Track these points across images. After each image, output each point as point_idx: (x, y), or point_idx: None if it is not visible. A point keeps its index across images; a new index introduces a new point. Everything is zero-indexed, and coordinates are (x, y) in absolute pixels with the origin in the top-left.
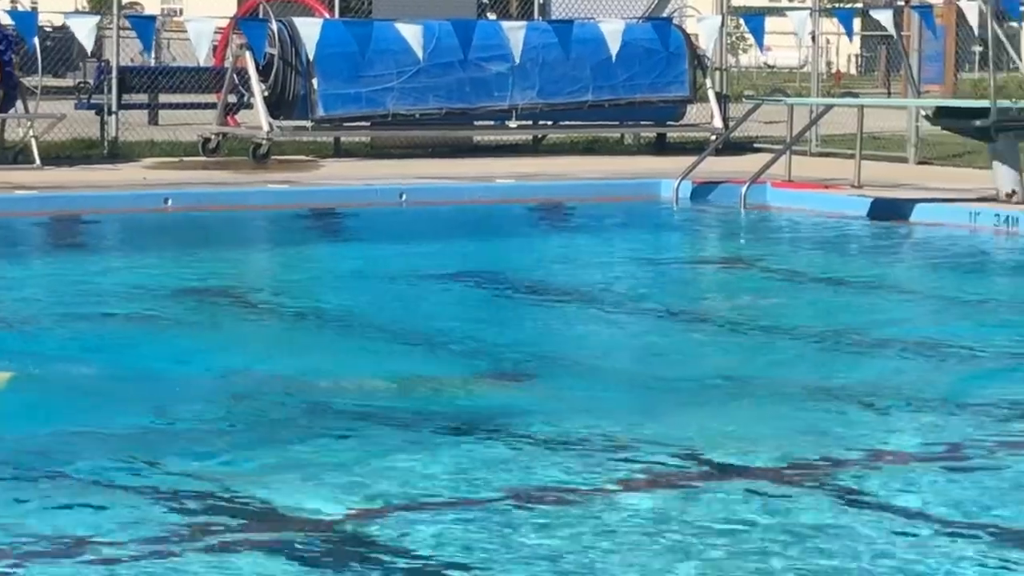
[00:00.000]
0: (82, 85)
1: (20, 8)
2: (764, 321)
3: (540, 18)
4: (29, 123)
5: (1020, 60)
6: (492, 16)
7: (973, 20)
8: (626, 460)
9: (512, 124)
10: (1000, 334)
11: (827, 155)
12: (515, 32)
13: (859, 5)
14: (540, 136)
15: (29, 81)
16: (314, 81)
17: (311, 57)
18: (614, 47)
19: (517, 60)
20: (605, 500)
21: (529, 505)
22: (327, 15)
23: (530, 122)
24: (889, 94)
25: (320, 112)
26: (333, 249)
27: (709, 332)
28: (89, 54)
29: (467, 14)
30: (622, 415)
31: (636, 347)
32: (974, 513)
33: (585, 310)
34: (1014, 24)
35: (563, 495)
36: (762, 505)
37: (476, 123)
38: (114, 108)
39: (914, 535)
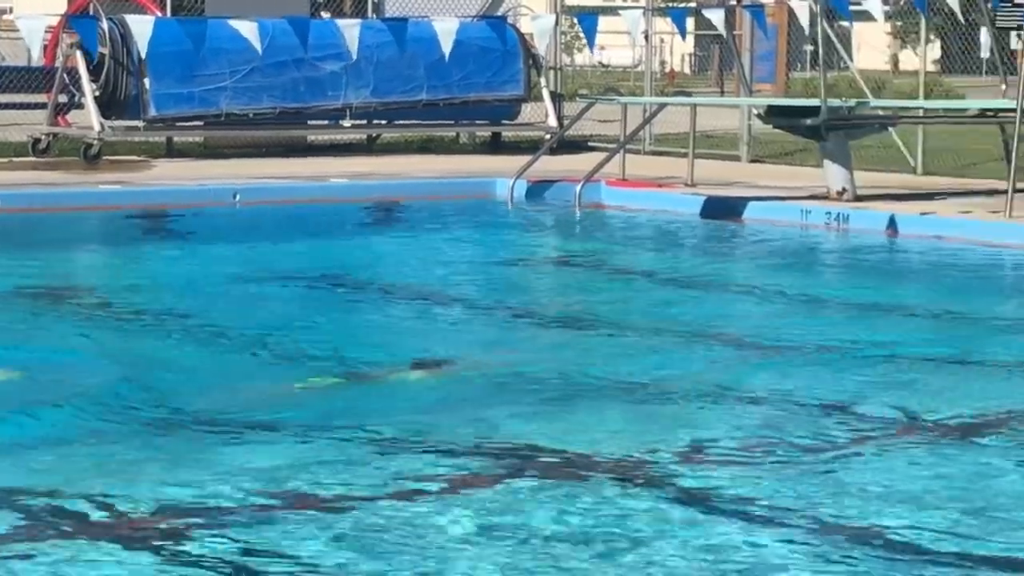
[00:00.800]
0: None
1: None
2: (597, 318)
3: (374, 16)
4: None
5: (850, 59)
6: (326, 15)
7: (804, 20)
8: (449, 459)
9: (346, 123)
10: (829, 331)
11: (661, 154)
12: (349, 31)
13: (692, 5)
14: (375, 135)
15: None
16: (146, 80)
17: (143, 56)
18: (448, 46)
19: (351, 59)
20: (432, 499)
21: (352, 505)
22: (159, 13)
23: (365, 121)
24: (722, 93)
25: (152, 112)
26: (165, 250)
27: (542, 330)
28: None
29: (301, 12)
30: (449, 414)
31: (471, 345)
32: (796, 510)
33: (418, 309)
34: (844, 23)
35: (401, 493)
36: (597, 502)
37: (310, 122)
38: None
39: (739, 533)
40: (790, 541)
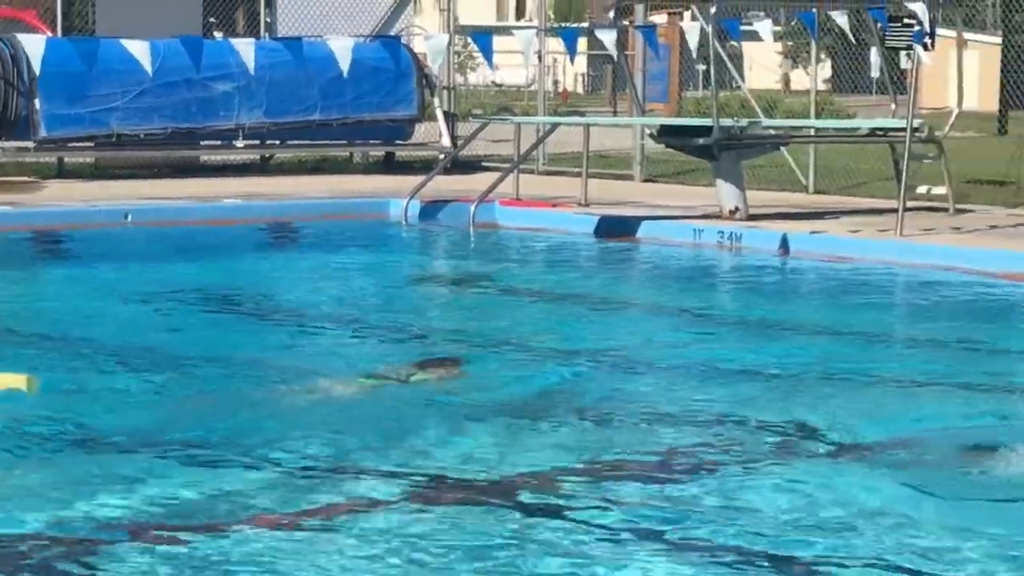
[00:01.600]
0: None
1: None
2: (489, 338)
3: (267, 36)
4: None
5: (742, 79)
6: (219, 34)
7: (695, 40)
8: (336, 482)
9: (239, 143)
10: (717, 349)
11: (555, 173)
12: (243, 50)
13: (584, 25)
14: (268, 155)
15: None
16: (36, 101)
17: (34, 76)
18: (343, 65)
19: (244, 79)
20: (314, 522)
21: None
22: (49, 33)
23: (258, 141)
24: (615, 113)
25: (43, 132)
26: (55, 271)
27: (434, 349)
28: None
29: (193, 32)
30: (332, 436)
31: (360, 365)
32: (665, 525)
33: (308, 330)
34: (735, 44)
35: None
36: (466, 519)
37: (203, 143)
38: None
39: (608, 547)
40: (673, 559)
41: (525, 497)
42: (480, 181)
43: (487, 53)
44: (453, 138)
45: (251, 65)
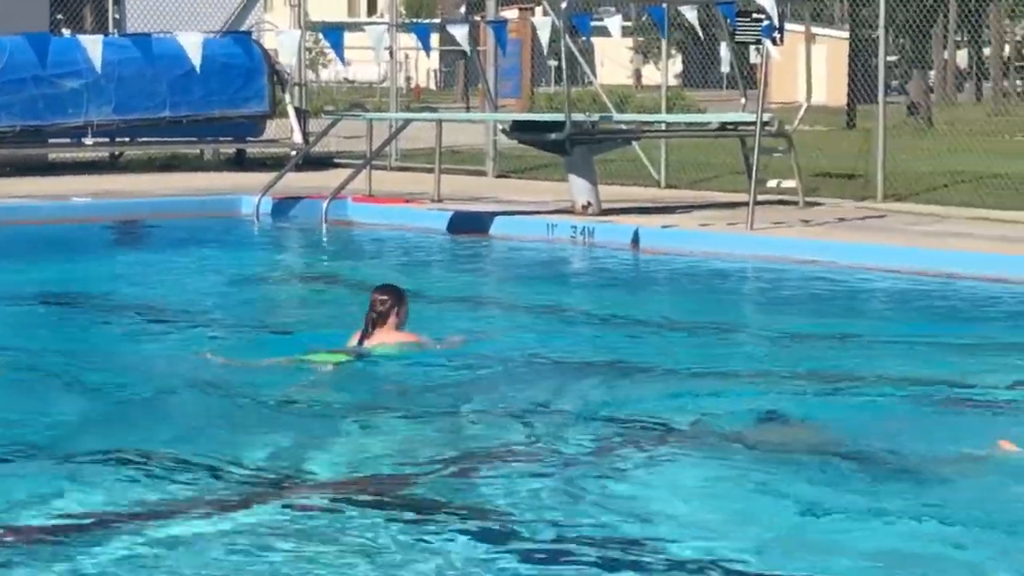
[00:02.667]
0: None
1: None
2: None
3: (116, 32)
4: None
5: (594, 75)
6: (67, 31)
7: (546, 35)
8: (194, 482)
9: (88, 141)
10: (564, 343)
11: (407, 169)
12: (91, 47)
13: (436, 21)
14: (118, 153)
15: None
16: None
17: None
18: (193, 61)
19: (93, 76)
20: (139, 522)
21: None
22: None
23: (107, 139)
24: (468, 108)
25: None
26: None
27: (282, 348)
28: None
29: (40, 28)
30: (189, 435)
31: (210, 367)
32: (550, 521)
33: (158, 330)
34: (586, 39)
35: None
36: (335, 520)
37: (51, 140)
38: None
39: (464, 541)
40: (509, 550)
41: (377, 495)
42: (333, 178)
43: (338, 49)
44: (305, 135)
45: (99, 62)
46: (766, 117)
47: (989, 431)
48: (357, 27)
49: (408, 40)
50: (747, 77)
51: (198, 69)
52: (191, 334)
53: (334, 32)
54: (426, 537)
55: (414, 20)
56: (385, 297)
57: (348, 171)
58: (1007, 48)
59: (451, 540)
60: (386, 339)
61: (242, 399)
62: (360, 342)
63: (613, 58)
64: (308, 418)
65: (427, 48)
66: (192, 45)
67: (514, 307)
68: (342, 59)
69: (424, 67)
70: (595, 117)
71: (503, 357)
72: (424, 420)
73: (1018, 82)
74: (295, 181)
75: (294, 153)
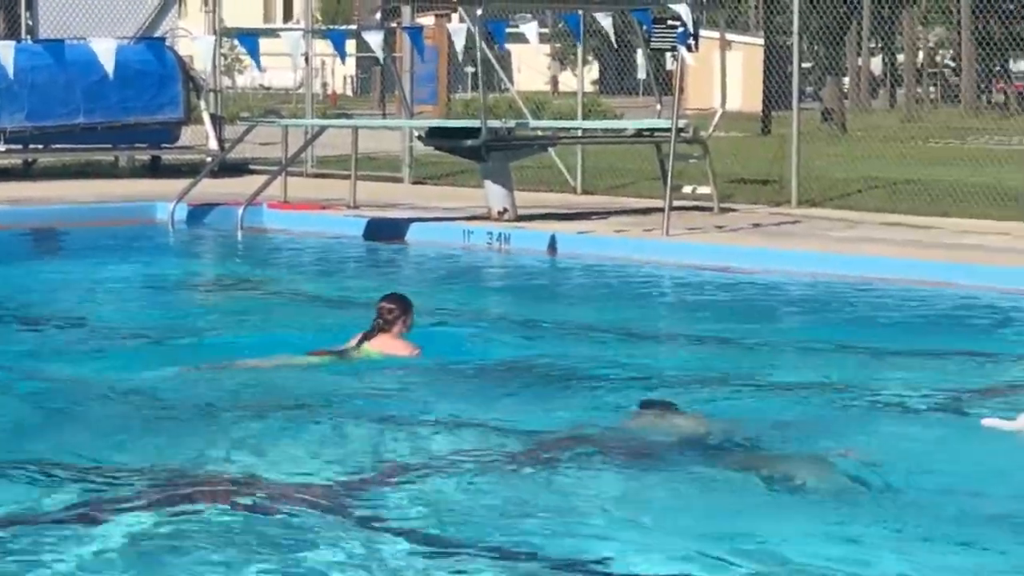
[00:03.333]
0: None
1: None
2: (257, 343)
3: (29, 38)
4: None
5: (511, 81)
6: None
7: (461, 42)
8: (101, 486)
9: (0, 148)
10: (495, 349)
11: (324, 176)
12: (3, 53)
13: (352, 27)
14: (31, 160)
15: None
16: None
17: None
18: (107, 68)
19: (5, 82)
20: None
21: None
22: None
23: (20, 146)
24: (384, 115)
25: None
26: None
27: (189, 354)
28: None
29: None
30: (98, 440)
31: (132, 374)
32: (438, 528)
33: (72, 338)
34: (502, 46)
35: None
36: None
37: None
38: None
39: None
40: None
41: (257, 501)
42: (248, 184)
43: (254, 55)
44: (220, 141)
45: (11, 68)
46: (681, 123)
47: (883, 431)
48: (273, 33)
49: (324, 46)
50: (663, 84)
51: (111, 76)
52: (103, 342)
53: (249, 38)
54: (346, 545)
55: (330, 26)
56: (392, 306)
57: (264, 178)
58: (920, 55)
59: (372, 549)
60: (384, 346)
61: (171, 406)
62: (359, 344)
63: (530, 64)
64: (247, 421)
65: (342, 55)
66: (105, 51)
67: (429, 313)
68: (258, 65)
69: (341, 73)
70: (511, 123)
71: (419, 365)
72: (310, 427)
73: (931, 88)
74: (210, 188)
75: (209, 160)
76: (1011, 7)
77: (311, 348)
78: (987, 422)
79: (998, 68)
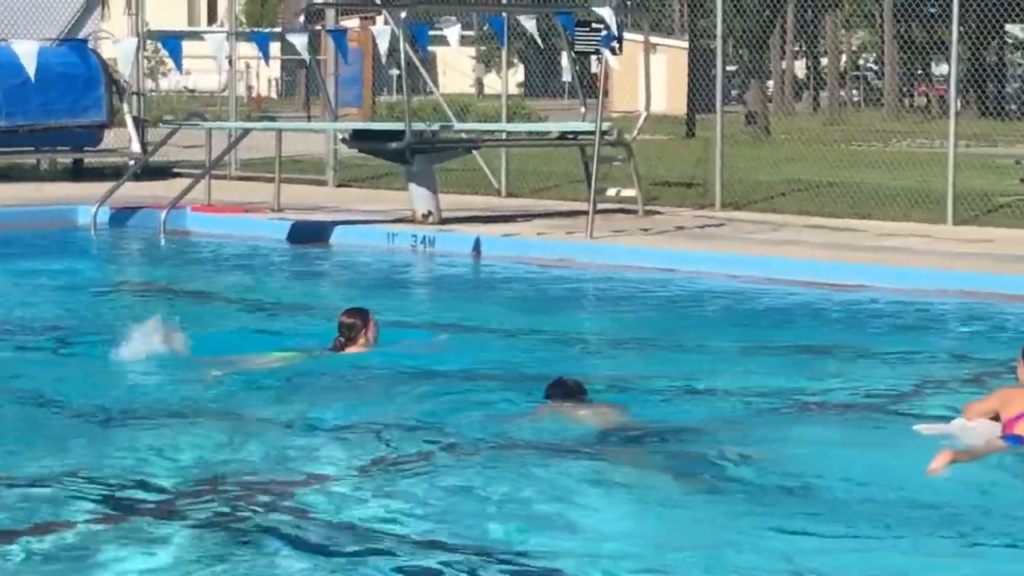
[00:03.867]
0: None
1: None
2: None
3: None
4: None
5: (435, 84)
6: None
7: (385, 44)
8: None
9: None
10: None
11: (248, 179)
12: None
13: (277, 29)
14: None
15: None
16: None
17: None
18: (28, 70)
19: None
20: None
21: None
22: None
23: None
24: (309, 118)
25: None
26: None
27: (116, 360)
28: None
29: None
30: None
31: (49, 378)
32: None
33: None
34: (431, 48)
35: None
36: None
37: None
38: None
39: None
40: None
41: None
42: (172, 187)
43: (176, 57)
44: (143, 144)
45: None
46: (605, 126)
47: (795, 434)
48: (196, 36)
49: (249, 49)
50: (588, 87)
51: (33, 78)
52: (21, 343)
53: (172, 41)
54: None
55: (254, 29)
56: (352, 320)
57: (187, 181)
58: (843, 58)
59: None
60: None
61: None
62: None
63: (455, 67)
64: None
65: (267, 57)
66: (27, 54)
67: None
68: (179, 67)
69: (265, 76)
70: (435, 126)
71: (341, 368)
72: (215, 430)
73: (854, 92)
74: (134, 191)
75: (132, 163)
76: (933, 11)
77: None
78: (921, 428)
79: (920, 71)
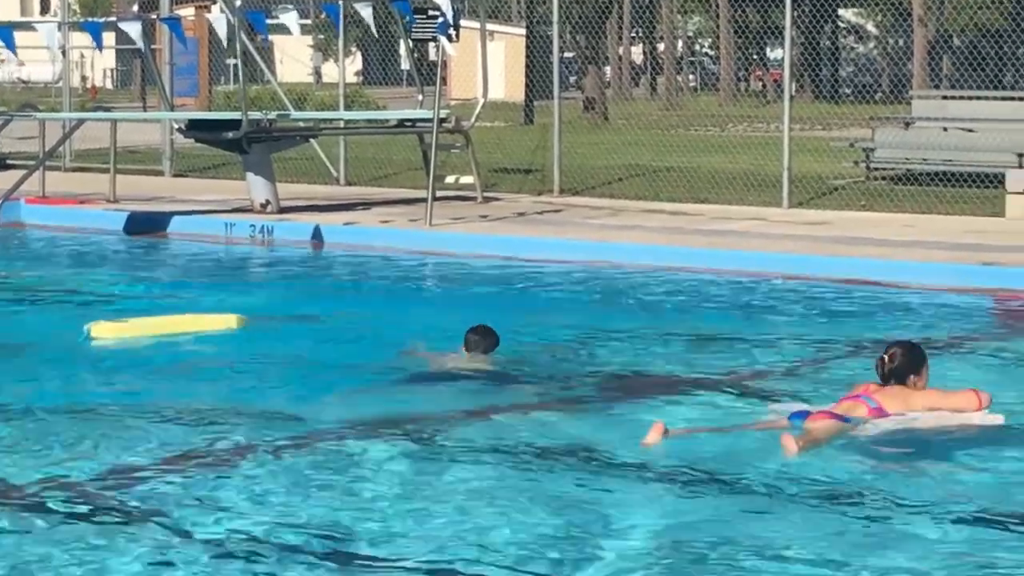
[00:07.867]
0: None
1: None
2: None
3: None
4: None
5: (273, 73)
6: None
7: (222, 33)
8: None
9: None
10: (256, 342)
11: (83, 170)
12: None
13: (111, 18)
14: None
15: None
16: None
17: None
18: None
19: None
20: None
21: None
22: None
23: None
24: (145, 108)
25: None
26: None
27: None
28: None
29: None
30: None
31: None
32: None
33: None
34: (265, 37)
35: None
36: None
37: None
38: None
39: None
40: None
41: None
42: (5, 180)
43: (9, 45)
44: None
45: None
46: (443, 114)
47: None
48: (28, 26)
49: (84, 39)
50: (426, 74)
51: None
52: None
53: (4, 30)
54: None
55: (86, 18)
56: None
57: (21, 172)
58: (680, 44)
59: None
60: None
61: None
62: None
63: (293, 56)
64: None
65: (100, 46)
66: None
67: (191, 307)
68: (14, 53)
69: (101, 66)
70: (272, 115)
71: (180, 359)
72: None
73: (691, 77)
74: None
75: None
76: None
77: None
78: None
79: (755, 56)
